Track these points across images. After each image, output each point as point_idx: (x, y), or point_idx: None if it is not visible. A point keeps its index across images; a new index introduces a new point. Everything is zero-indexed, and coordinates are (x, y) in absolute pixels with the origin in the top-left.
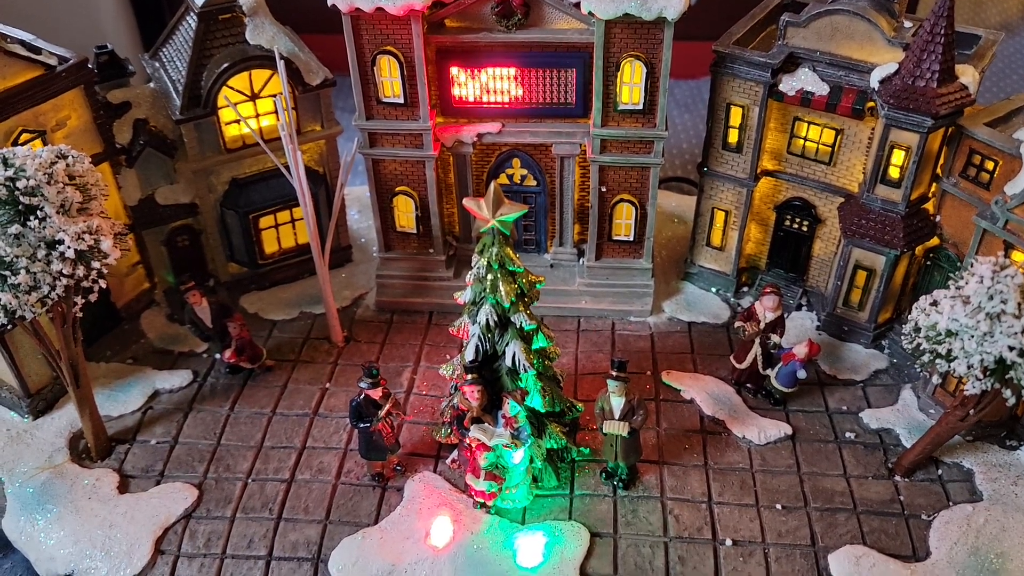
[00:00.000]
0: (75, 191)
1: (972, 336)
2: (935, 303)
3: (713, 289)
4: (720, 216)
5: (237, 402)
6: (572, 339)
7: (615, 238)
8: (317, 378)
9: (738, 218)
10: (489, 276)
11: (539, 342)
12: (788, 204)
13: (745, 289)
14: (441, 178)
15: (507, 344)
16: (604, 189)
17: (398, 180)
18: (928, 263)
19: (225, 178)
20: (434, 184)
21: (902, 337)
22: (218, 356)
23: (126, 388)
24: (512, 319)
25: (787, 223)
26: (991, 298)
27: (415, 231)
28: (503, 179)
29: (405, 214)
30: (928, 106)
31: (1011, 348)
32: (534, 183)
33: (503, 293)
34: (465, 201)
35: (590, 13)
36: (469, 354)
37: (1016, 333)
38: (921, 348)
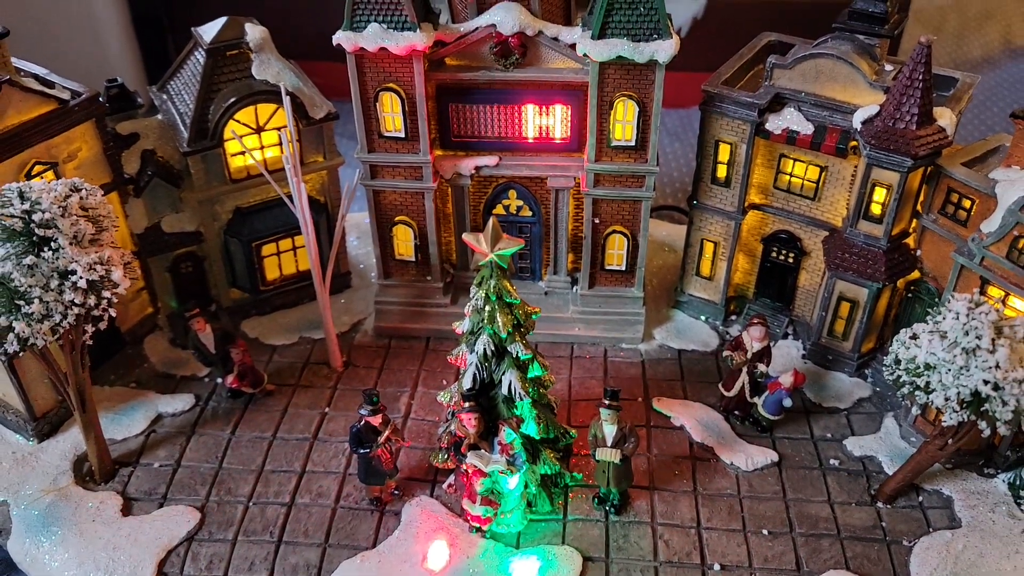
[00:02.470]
0: (88, 223)
1: (949, 370)
2: (915, 336)
3: (702, 317)
4: (709, 247)
5: (238, 426)
6: (565, 365)
7: (608, 268)
8: (316, 403)
9: (727, 249)
10: (487, 307)
11: (534, 371)
12: (775, 237)
13: (733, 317)
14: (439, 208)
15: (503, 373)
16: (597, 221)
17: (398, 210)
18: (909, 295)
19: (229, 207)
20: (433, 214)
21: (883, 368)
22: (220, 381)
23: (130, 412)
24: (509, 349)
25: (774, 255)
26: (966, 334)
27: (413, 259)
28: (499, 210)
29: (404, 243)
30: (908, 147)
31: (985, 382)
32: (529, 214)
33: (500, 324)
34: (465, 236)
35: (585, 55)
36: (467, 382)
37: (990, 368)
38: (901, 380)
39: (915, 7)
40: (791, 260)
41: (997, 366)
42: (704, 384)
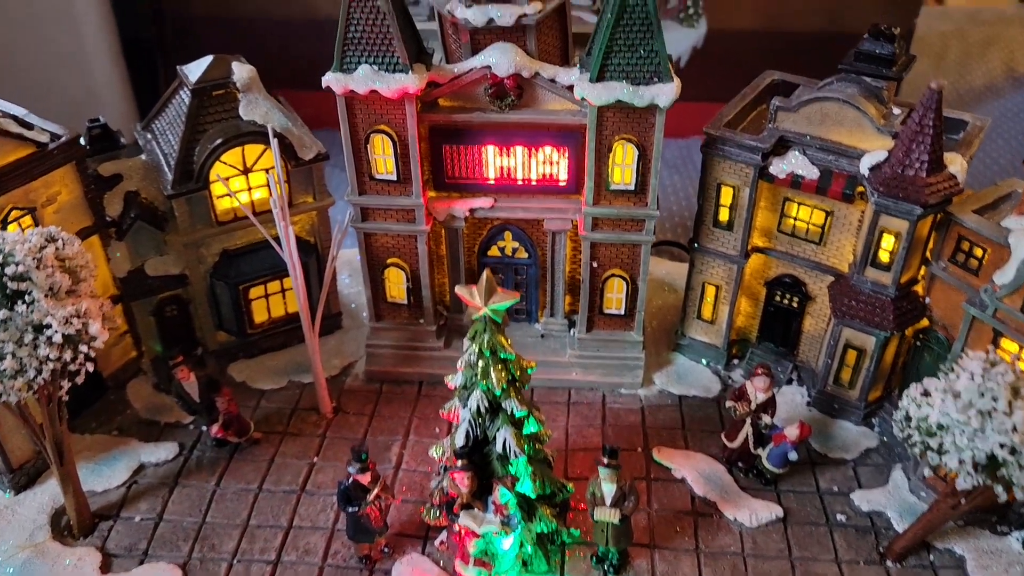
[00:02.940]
0: (64, 275)
1: (963, 432)
2: (926, 393)
3: (704, 361)
4: (711, 290)
5: (224, 477)
6: (563, 412)
7: (606, 312)
8: (305, 452)
9: (729, 293)
10: (480, 362)
11: (530, 427)
12: (778, 280)
13: (735, 361)
14: (433, 250)
15: (498, 430)
16: (596, 264)
17: (390, 252)
18: (918, 343)
19: (216, 249)
20: (426, 257)
21: (893, 424)
22: (205, 428)
23: (111, 461)
24: (503, 405)
25: (777, 299)
26: (982, 395)
27: (406, 302)
28: (495, 251)
29: (396, 285)
30: (917, 195)
31: (1002, 446)
32: (525, 255)
33: (494, 380)
34: (457, 289)
35: (583, 99)
36: (459, 439)
37: (1007, 431)
38: (913, 440)
39: (917, 34)
40: (795, 305)
41: (1014, 429)
42: (706, 433)
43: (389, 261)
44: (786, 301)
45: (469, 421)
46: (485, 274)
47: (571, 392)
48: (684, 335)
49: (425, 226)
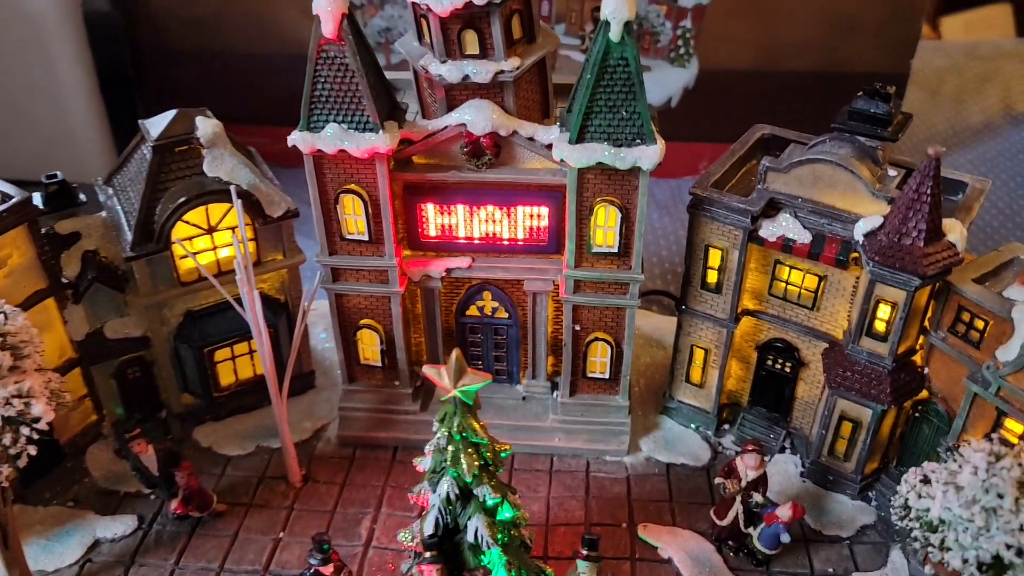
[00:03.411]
0: (6, 355)
1: (967, 529)
2: (926, 480)
3: (693, 426)
4: (699, 354)
5: (184, 554)
6: (544, 481)
7: (590, 375)
8: (271, 526)
9: (718, 357)
10: (450, 447)
11: (505, 512)
12: (770, 345)
13: (726, 427)
14: (409, 309)
15: (469, 518)
16: (578, 327)
17: (362, 314)
18: (917, 415)
19: (179, 310)
20: (400, 318)
21: (891, 511)
22: (166, 502)
23: (64, 537)
24: (475, 492)
25: (769, 363)
26: (986, 491)
27: (380, 364)
28: (473, 311)
29: (370, 347)
30: (915, 266)
31: (1008, 546)
32: (506, 316)
33: (464, 466)
34: (425, 369)
35: (562, 161)
36: (428, 527)
37: (1013, 531)
38: (913, 534)
39: (912, 69)
40: (788, 370)
41: (1021, 528)
42: (695, 506)
43: (362, 322)
44: (778, 366)
45: (439, 508)
46: (454, 355)
47: (554, 459)
48: (672, 398)
49: (399, 287)
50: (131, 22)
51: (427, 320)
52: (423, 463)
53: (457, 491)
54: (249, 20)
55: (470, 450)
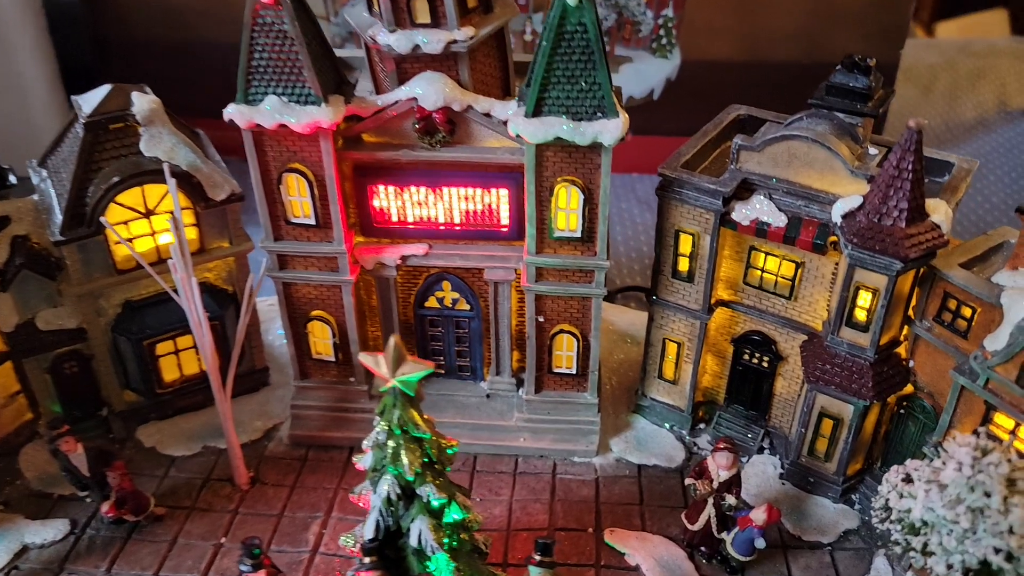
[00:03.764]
0: None
1: (951, 532)
2: (908, 479)
3: (667, 425)
4: (672, 348)
5: (116, 561)
6: (507, 484)
7: (556, 370)
8: (212, 531)
9: (692, 351)
10: (390, 443)
11: (452, 514)
12: (746, 338)
13: (702, 426)
14: (364, 300)
15: (412, 520)
16: (542, 319)
17: (313, 304)
18: (902, 411)
19: (117, 300)
20: (353, 309)
21: (872, 513)
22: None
23: None
24: (418, 492)
25: (746, 357)
26: (972, 490)
27: (334, 358)
28: (432, 302)
29: (322, 340)
30: (896, 248)
31: (996, 550)
32: (467, 307)
33: (406, 464)
34: (361, 356)
35: (518, 136)
36: (367, 531)
37: (1001, 533)
38: (893, 537)
39: (904, 65)
40: (765, 364)
41: (1011, 531)
42: (666, 509)
43: (313, 314)
44: (755, 360)
45: (379, 510)
46: (392, 341)
47: (518, 460)
48: (645, 395)
49: (350, 276)
50: (94, 11)
51: (383, 312)
52: (363, 460)
53: (399, 491)
54: (219, 8)
55: (412, 446)
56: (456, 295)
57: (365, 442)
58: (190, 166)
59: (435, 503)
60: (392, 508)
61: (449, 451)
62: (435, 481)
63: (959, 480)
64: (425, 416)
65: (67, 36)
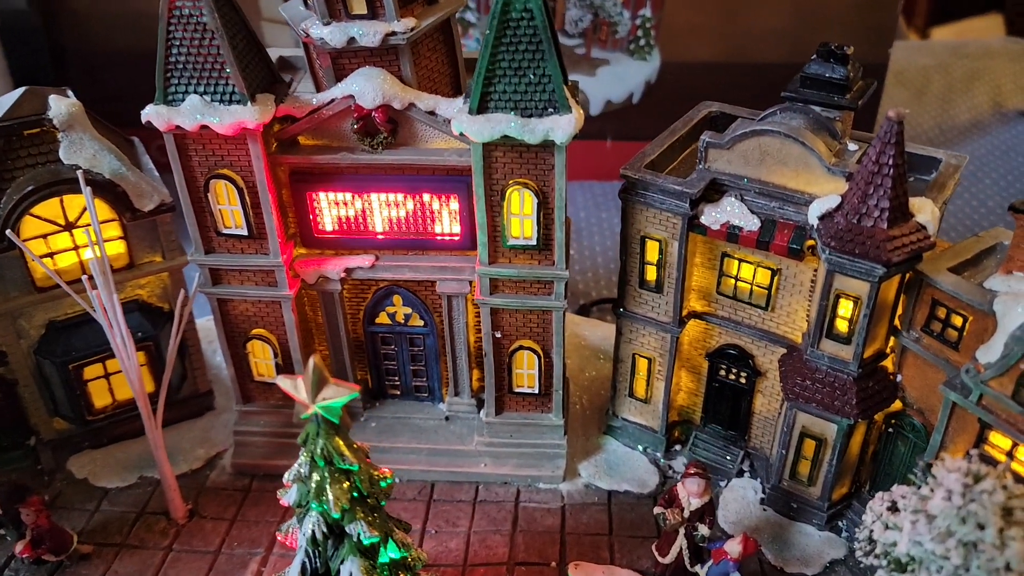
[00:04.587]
0: None
1: (940, 568)
2: (894, 507)
3: (640, 447)
4: (643, 364)
5: None
6: (466, 514)
7: (517, 390)
8: (142, 570)
9: (663, 367)
10: (315, 476)
11: (389, 554)
12: (722, 352)
13: (678, 447)
14: (310, 317)
15: (341, 562)
16: (499, 335)
17: (252, 323)
18: (890, 430)
19: (39, 321)
20: (295, 327)
21: (855, 545)
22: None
23: None
24: (347, 529)
25: (722, 373)
26: (963, 521)
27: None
28: (383, 318)
29: (263, 361)
30: (878, 252)
31: None
32: (421, 323)
33: (331, 499)
34: (279, 380)
35: (461, 135)
36: (293, 573)
37: (998, 570)
38: (877, 574)
39: (896, 68)
40: (743, 381)
41: (1008, 568)
42: (637, 540)
43: (253, 332)
44: (732, 376)
45: (306, 550)
46: (312, 361)
47: (479, 488)
48: (616, 415)
49: (289, 290)
50: (50, 22)
51: (329, 329)
52: (287, 496)
53: (325, 529)
54: None
55: (339, 478)
56: (408, 310)
57: (287, 475)
58: (114, 174)
59: (366, 541)
60: (319, 548)
61: (383, 483)
62: (367, 517)
63: (948, 510)
64: (356, 444)
65: (21, 46)
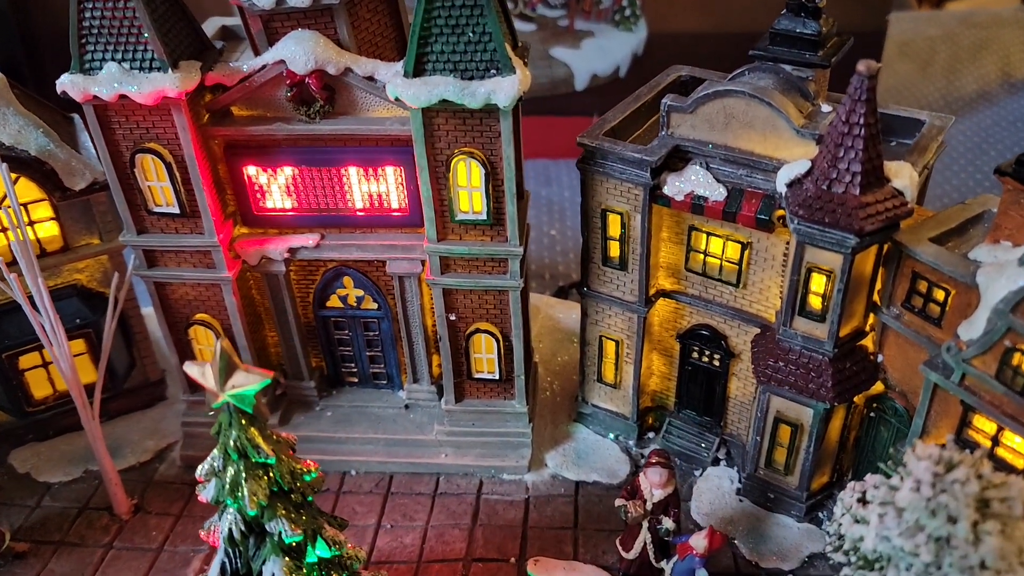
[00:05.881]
0: None
1: (910, 566)
2: (864, 499)
3: (611, 435)
4: (610, 346)
5: None
6: (425, 507)
7: (477, 376)
8: (79, 569)
9: (632, 350)
10: (229, 470)
11: (317, 553)
12: (693, 332)
13: (651, 435)
14: (258, 301)
15: (264, 562)
16: (453, 317)
17: (193, 307)
18: (872, 414)
19: None
20: (238, 311)
21: (825, 540)
22: None
23: None
24: (268, 527)
25: (695, 355)
26: (933, 514)
27: None
28: (335, 301)
29: (207, 348)
30: (849, 220)
31: None
32: (374, 306)
33: (246, 495)
34: (186, 366)
35: (397, 100)
36: (212, 574)
37: (972, 568)
38: (843, 572)
39: (902, 39)
40: (716, 363)
41: (983, 566)
42: (604, 534)
43: (195, 317)
44: (705, 359)
45: (225, 550)
46: (219, 346)
47: (440, 479)
48: (586, 402)
49: (227, 272)
50: (19, 6)
51: (277, 314)
52: (204, 492)
53: (243, 527)
54: None
55: (255, 473)
56: (360, 292)
57: (199, 469)
58: (41, 151)
59: (288, 540)
60: (239, 548)
61: (307, 477)
62: (289, 514)
63: (917, 502)
64: (276, 435)
65: None
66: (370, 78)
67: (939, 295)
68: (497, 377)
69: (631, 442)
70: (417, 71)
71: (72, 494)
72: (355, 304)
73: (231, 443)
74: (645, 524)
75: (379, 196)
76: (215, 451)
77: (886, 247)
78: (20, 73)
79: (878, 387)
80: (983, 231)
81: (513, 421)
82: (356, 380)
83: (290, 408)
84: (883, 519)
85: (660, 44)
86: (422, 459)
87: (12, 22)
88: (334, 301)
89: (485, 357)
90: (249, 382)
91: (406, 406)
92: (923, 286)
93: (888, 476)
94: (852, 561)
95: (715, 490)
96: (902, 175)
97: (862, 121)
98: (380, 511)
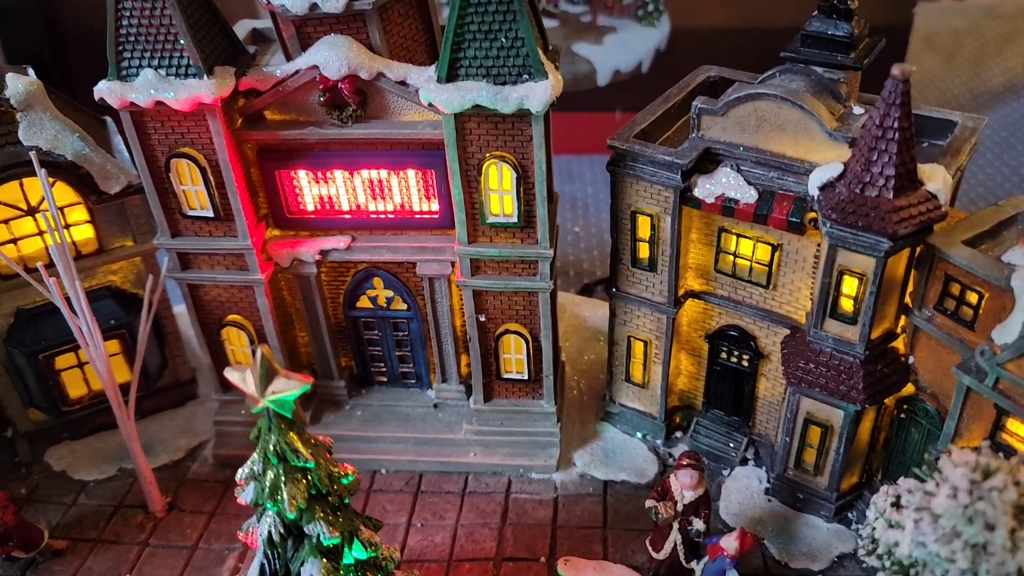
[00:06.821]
0: None
1: (947, 572)
2: (898, 503)
3: (639, 434)
4: (638, 346)
5: None
6: (454, 506)
7: (506, 376)
8: (116, 566)
9: (660, 350)
10: (268, 474)
11: (354, 555)
12: (722, 333)
13: (679, 434)
14: (289, 302)
15: (302, 564)
16: (483, 318)
17: (225, 308)
18: (903, 415)
19: (7, 309)
20: (270, 312)
21: (858, 544)
22: None
23: None
24: (306, 530)
25: (723, 356)
26: (971, 521)
27: None
28: (364, 302)
29: (240, 349)
30: (883, 224)
31: None
32: (404, 307)
33: (286, 499)
34: (226, 372)
35: (430, 105)
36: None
37: (1009, 574)
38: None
39: (926, 31)
40: (745, 364)
41: (1020, 573)
42: (633, 533)
43: (227, 319)
44: (734, 359)
45: (264, 552)
46: (260, 352)
47: (468, 478)
48: (614, 401)
49: (260, 274)
50: (45, 2)
51: (308, 315)
52: (243, 494)
53: (282, 530)
54: None
55: (295, 476)
56: (390, 293)
57: (240, 472)
58: (77, 156)
59: (327, 543)
60: (278, 550)
61: (344, 480)
62: (327, 517)
63: (954, 510)
64: (314, 439)
65: (16, 31)
66: (402, 83)
67: (972, 298)
68: (526, 377)
69: (659, 441)
70: (450, 76)
71: (107, 492)
72: (385, 305)
73: (271, 447)
74: (675, 525)
75: (410, 199)
76: (254, 455)
77: (919, 249)
78: (48, 73)
79: (909, 389)
80: (1016, 233)
81: (541, 420)
82: (385, 379)
83: (320, 407)
84: (919, 525)
85: (683, 40)
86: (451, 458)
87: (37, 19)
88: (364, 302)
89: (514, 357)
90: (289, 388)
91: (435, 405)
92: (956, 289)
93: (922, 480)
94: (887, 566)
95: (744, 490)
96: (936, 178)
97: (896, 125)
98: (410, 510)
